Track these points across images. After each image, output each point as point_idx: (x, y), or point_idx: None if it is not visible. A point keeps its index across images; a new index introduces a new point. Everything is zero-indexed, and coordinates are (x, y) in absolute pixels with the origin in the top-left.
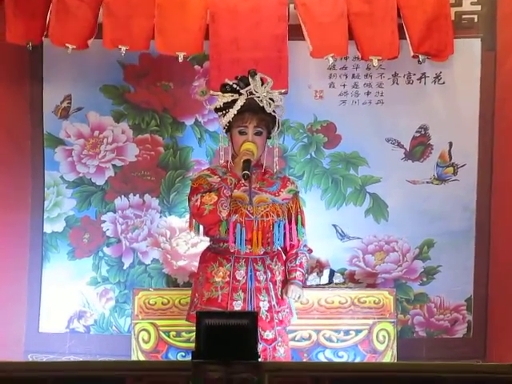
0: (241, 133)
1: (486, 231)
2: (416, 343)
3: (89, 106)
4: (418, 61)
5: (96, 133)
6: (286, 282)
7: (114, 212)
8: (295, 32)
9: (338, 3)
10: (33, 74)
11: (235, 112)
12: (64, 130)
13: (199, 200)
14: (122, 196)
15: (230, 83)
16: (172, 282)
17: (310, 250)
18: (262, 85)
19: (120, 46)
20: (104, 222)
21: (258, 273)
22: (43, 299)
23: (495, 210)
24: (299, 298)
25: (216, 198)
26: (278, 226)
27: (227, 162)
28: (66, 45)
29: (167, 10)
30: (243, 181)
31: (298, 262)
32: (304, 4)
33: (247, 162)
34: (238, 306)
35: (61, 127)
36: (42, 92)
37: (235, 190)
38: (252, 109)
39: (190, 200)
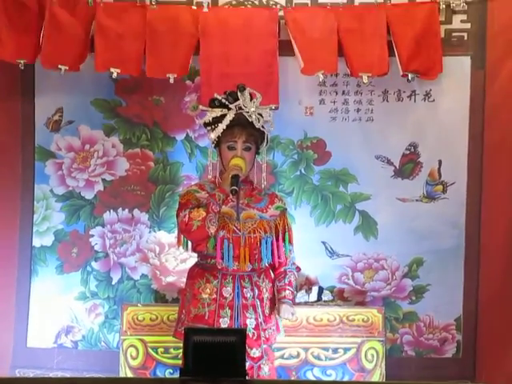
0: (230, 148)
1: (476, 249)
2: (405, 362)
3: (80, 120)
4: (408, 79)
5: (87, 146)
6: (274, 300)
7: (103, 226)
8: (286, 48)
9: (328, 19)
10: (25, 86)
11: (224, 127)
12: (55, 143)
13: (187, 216)
14: (111, 210)
15: (219, 98)
16: (161, 298)
17: (298, 268)
18: (250, 100)
19: (112, 70)
20: (92, 236)
21: (244, 290)
22: (31, 314)
23: (484, 228)
24: (292, 315)
25: (204, 213)
26: (266, 243)
27: (215, 177)
28: (59, 66)
29: (158, 28)
30: (231, 196)
31: (286, 281)
32: (294, 20)
33: (235, 178)
34: (224, 323)
35: (52, 140)
36: (34, 105)
37: (223, 206)
38: (241, 124)
39: (178, 216)
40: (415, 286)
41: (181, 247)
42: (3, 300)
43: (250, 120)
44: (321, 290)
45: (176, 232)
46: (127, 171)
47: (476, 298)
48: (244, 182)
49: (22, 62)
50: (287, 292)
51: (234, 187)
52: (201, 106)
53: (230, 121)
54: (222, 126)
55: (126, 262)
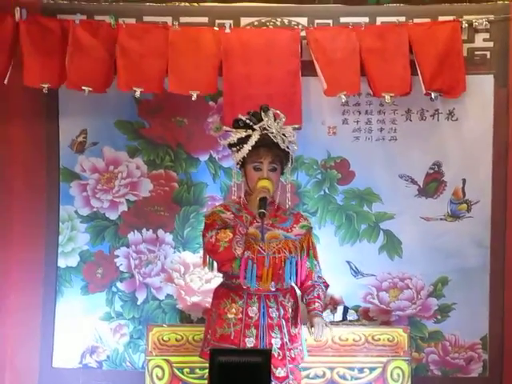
0: (255, 169)
1: (501, 268)
2: (431, 382)
3: (104, 141)
4: (431, 98)
5: (111, 167)
6: (298, 319)
7: (128, 247)
8: (308, 68)
9: (350, 39)
10: (49, 108)
11: (250, 148)
12: (79, 164)
13: (214, 237)
14: (136, 231)
15: (243, 118)
16: (186, 318)
17: (326, 284)
18: (274, 120)
19: (134, 89)
20: (117, 256)
21: (270, 309)
22: (57, 334)
23: (510, 246)
24: (328, 329)
25: (231, 235)
26: (290, 263)
27: (240, 197)
28: (83, 88)
29: (180, 48)
30: (259, 219)
31: (315, 294)
32: (316, 40)
33: (263, 200)
34: (250, 342)
35: (76, 161)
36: (58, 126)
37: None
38: (267, 144)
39: (204, 236)
40: (440, 305)
41: (206, 268)
42: (29, 320)
43: (276, 141)
44: (346, 310)
45: (201, 252)
46: (151, 192)
47: (502, 316)
48: (269, 203)
49: (45, 86)
50: (317, 304)
51: (262, 210)
52: (224, 127)
53: (256, 141)
54: (247, 147)
55: (151, 282)
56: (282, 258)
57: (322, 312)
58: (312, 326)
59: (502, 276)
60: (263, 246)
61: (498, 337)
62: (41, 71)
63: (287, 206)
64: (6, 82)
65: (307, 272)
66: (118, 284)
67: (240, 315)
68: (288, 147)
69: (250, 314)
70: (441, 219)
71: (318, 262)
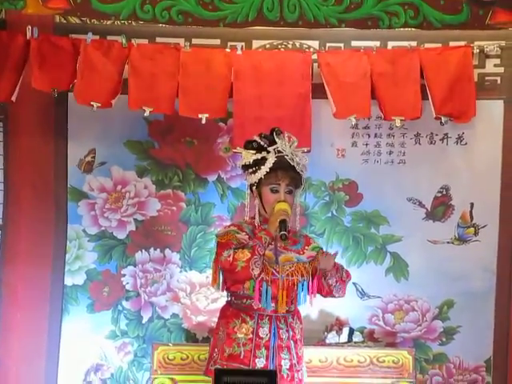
0: (273, 190)
1: (507, 292)
2: None
3: (112, 161)
4: (441, 122)
5: (119, 187)
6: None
7: (135, 266)
8: (318, 90)
9: (361, 63)
10: (58, 128)
11: (267, 169)
12: (87, 184)
13: (232, 256)
14: (143, 250)
15: (258, 140)
16: (191, 338)
17: (348, 274)
18: (288, 143)
19: (145, 108)
20: (124, 275)
21: (281, 331)
22: (62, 352)
23: None
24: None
25: (249, 255)
26: (302, 286)
27: (252, 218)
28: (91, 103)
29: (191, 69)
30: (280, 241)
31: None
32: (328, 64)
33: (284, 223)
34: (260, 363)
35: (84, 181)
36: (67, 146)
37: None
38: (284, 167)
39: (219, 255)
40: (445, 328)
41: (214, 287)
42: (34, 337)
43: (292, 163)
44: (351, 331)
45: (208, 272)
46: (159, 211)
47: (506, 340)
48: None
49: (55, 90)
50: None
51: (284, 232)
52: (238, 148)
53: (273, 163)
54: (265, 169)
55: (157, 301)
56: (294, 281)
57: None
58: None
59: (507, 300)
60: (277, 269)
61: (502, 360)
62: (50, 77)
63: (297, 229)
64: (14, 99)
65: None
66: (124, 302)
67: (250, 335)
68: (302, 170)
69: (261, 335)
70: (448, 243)
71: None
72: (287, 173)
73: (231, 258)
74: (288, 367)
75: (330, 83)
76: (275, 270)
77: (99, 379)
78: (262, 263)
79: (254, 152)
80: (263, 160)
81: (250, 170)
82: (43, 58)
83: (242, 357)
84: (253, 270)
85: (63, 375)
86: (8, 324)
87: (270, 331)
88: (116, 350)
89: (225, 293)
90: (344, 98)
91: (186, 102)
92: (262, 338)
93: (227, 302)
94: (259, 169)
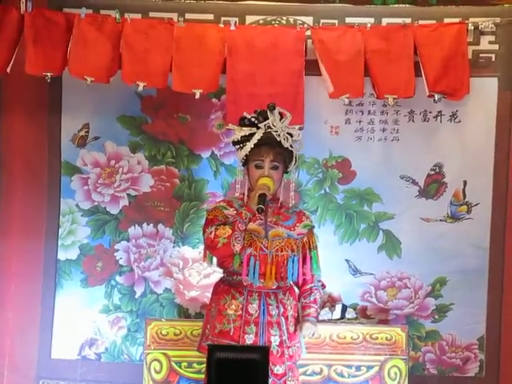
0: (257, 166)
1: (500, 270)
2: (427, 380)
3: (106, 136)
4: (434, 100)
5: (112, 162)
6: (299, 318)
7: (128, 241)
8: (312, 67)
9: (355, 40)
10: (52, 102)
11: (252, 146)
12: (81, 159)
13: (213, 232)
14: (136, 225)
15: (249, 117)
16: (184, 313)
17: (324, 286)
18: (280, 119)
19: (138, 83)
20: (117, 250)
21: (270, 307)
22: (55, 326)
23: (509, 248)
24: (313, 335)
25: (230, 231)
26: (292, 261)
27: (243, 194)
28: (85, 77)
29: (185, 44)
30: (258, 215)
31: (312, 299)
32: (321, 41)
33: (262, 197)
34: (249, 339)
35: (78, 155)
36: (61, 120)
37: (251, 223)
38: (269, 143)
39: (204, 231)
40: (438, 305)
41: (206, 263)
42: (28, 312)
43: (278, 139)
44: (344, 308)
45: (201, 247)
46: (152, 187)
47: (499, 317)
48: (272, 201)
49: (48, 74)
50: (312, 310)
51: (261, 206)
52: (230, 125)
53: (258, 140)
54: (249, 145)
55: (150, 276)
56: (284, 256)
57: (315, 317)
58: (301, 329)
59: (500, 277)
60: (266, 244)
61: (494, 337)
62: (44, 60)
63: (290, 205)
64: (8, 70)
65: (309, 276)
66: (117, 277)
67: (240, 312)
68: (292, 146)
69: (250, 311)
70: (440, 220)
71: (319, 265)
72: (272, 149)
73: (213, 235)
74: (278, 343)
75: (324, 61)
76: (264, 245)
77: (94, 353)
78: (243, 239)
79: (245, 128)
80: (251, 136)
81: (237, 147)
82: (37, 36)
83: (231, 333)
84: (234, 246)
85: (57, 349)
86: (1, 298)
87: (259, 307)
88: (109, 325)
89: (219, 268)
90: (337, 78)
91: (179, 77)
92: (251, 315)
93: (220, 278)
94: (245, 145)
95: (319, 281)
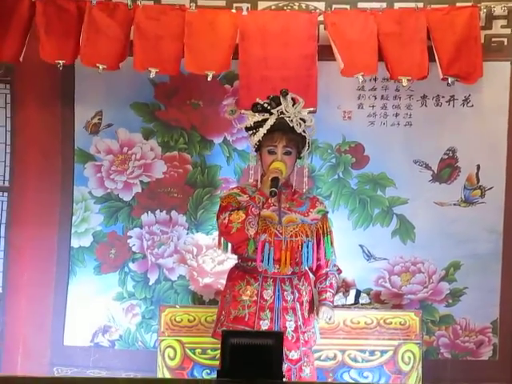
0: (270, 152)
1: None
2: (441, 364)
3: (119, 123)
4: (447, 83)
5: (125, 149)
6: (313, 303)
7: (141, 228)
8: (325, 52)
9: (368, 23)
10: (65, 90)
11: (265, 131)
12: (94, 146)
13: (227, 218)
14: (149, 212)
15: (262, 102)
16: (198, 299)
17: (340, 271)
18: (293, 105)
19: (150, 69)
20: (130, 237)
21: (285, 293)
22: (68, 313)
23: None
24: (330, 319)
25: (244, 216)
26: (307, 247)
27: (257, 180)
28: (97, 65)
29: (197, 30)
30: (270, 199)
31: (328, 283)
32: (334, 24)
33: (275, 180)
34: (264, 325)
35: (91, 143)
36: (74, 108)
37: (265, 210)
38: (282, 129)
39: (218, 218)
40: (452, 290)
41: (221, 249)
42: (41, 299)
43: (291, 125)
44: (358, 293)
45: (215, 234)
46: (165, 174)
47: None
48: (285, 186)
49: (60, 62)
50: (328, 294)
51: (274, 189)
52: (243, 111)
53: (271, 125)
54: (262, 131)
55: (164, 263)
56: (299, 241)
57: (332, 301)
58: (317, 314)
59: None
60: (280, 230)
61: (508, 321)
62: (56, 48)
63: (304, 190)
64: (21, 59)
65: (323, 261)
66: (131, 264)
67: (255, 298)
68: (304, 131)
69: (265, 297)
70: (454, 205)
71: (334, 250)
72: (285, 134)
73: (226, 221)
74: (293, 329)
75: (336, 42)
76: (278, 231)
77: (108, 340)
78: (257, 223)
79: (257, 114)
80: (264, 122)
81: (250, 133)
82: (49, 24)
83: (246, 319)
84: (248, 230)
85: (70, 336)
86: (15, 285)
87: (274, 293)
88: (124, 312)
89: (232, 255)
90: (351, 56)
91: (191, 58)
92: (266, 300)
93: (235, 264)
94: (258, 131)
95: (335, 265)
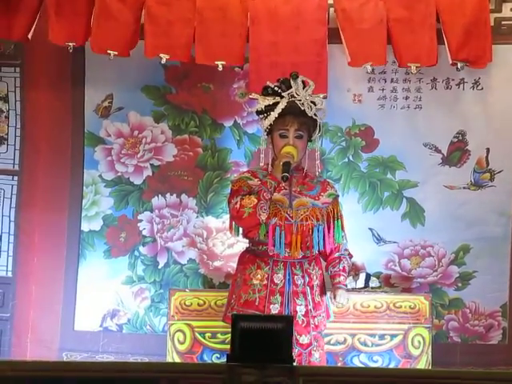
0: (281, 136)
1: None
2: (450, 348)
3: (129, 106)
4: (457, 68)
5: (135, 132)
6: (323, 287)
7: (151, 211)
8: (335, 36)
9: (377, 9)
10: (75, 73)
11: (276, 115)
12: (104, 129)
13: (239, 203)
14: (159, 195)
15: (272, 86)
16: (208, 283)
17: (351, 255)
18: (303, 88)
19: (161, 55)
20: (141, 221)
21: (296, 277)
22: (78, 297)
23: None
24: (348, 302)
25: (256, 200)
26: (318, 231)
27: (267, 164)
28: (108, 51)
29: (208, 16)
30: (282, 183)
31: (341, 267)
32: (344, 9)
33: (287, 165)
34: (275, 309)
35: (101, 126)
36: (84, 91)
37: (275, 194)
38: (293, 112)
39: (229, 202)
40: (461, 273)
41: (232, 233)
42: (51, 283)
43: (303, 108)
44: (368, 277)
45: (225, 217)
46: (175, 157)
47: None
48: (296, 170)
49: (71, 44)
50: (342, 278)
51: (286, 174)
52: (253, 94)
53: (282, 109)
54: (274, 115)
55: (173, 246)
56: (309, 225)
57: (345, 285)
58: (334, 297)
59: None
60: (291, 214)
61: None
62: (66, 30)
63: (316, 174)
64: (29, 36)
65: (334, 244)
66: (141, 248)
67: (265, 282)
68: (316, 114)
69: (276, 281)
70: (464, 188)
71: (345, 234)
72: (297, 118)
73: (238, 205)
74: (303, 313)
75: (345, 30)
76: (289, 215)
77: (116, 325)
78: (268, 208)
79: (268, 98)
80: (275, 105)
81: (261, 116)
82: (59, 4)
83: (257, 303)
84: (260, 215)
85: (80, 320)
86: (25, 269)
87: (284, 277)
88: (133, 296)
89: (243, 238)
90: (359, 45)
91: (202, 49)
92: (276, 284)
93: (246, 248)
94: (269, 114)
95: (346, 249)
